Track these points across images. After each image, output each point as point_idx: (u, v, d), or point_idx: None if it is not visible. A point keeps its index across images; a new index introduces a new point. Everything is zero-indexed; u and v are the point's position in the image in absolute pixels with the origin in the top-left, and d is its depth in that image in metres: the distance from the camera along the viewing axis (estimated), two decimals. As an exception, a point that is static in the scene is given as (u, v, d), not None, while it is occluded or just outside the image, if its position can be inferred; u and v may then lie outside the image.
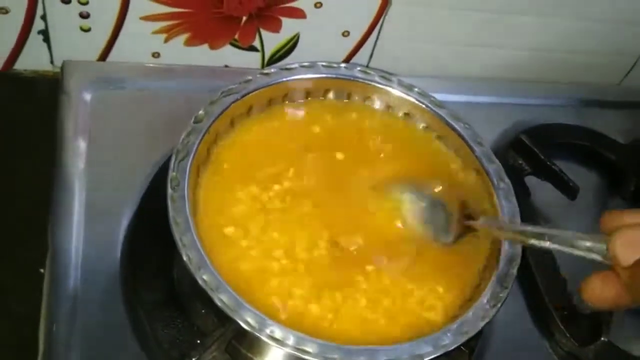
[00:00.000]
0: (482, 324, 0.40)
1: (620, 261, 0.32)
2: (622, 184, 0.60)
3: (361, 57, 0.62)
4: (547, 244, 0.37)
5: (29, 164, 0.53)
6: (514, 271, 0.42)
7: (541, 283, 0.51)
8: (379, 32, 0.60)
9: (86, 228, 0.47)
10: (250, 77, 0.45)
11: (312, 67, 0.47)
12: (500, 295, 0.41)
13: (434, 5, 0.58)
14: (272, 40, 0.59)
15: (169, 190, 0.39)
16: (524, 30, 0.63)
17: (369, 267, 0.42)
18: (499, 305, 0.40)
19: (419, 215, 0.45)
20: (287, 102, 0.47)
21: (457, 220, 0.44)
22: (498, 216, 0.44)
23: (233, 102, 0.44)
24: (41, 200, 0.48)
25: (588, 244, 0.34)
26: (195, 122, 0.42)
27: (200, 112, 0.43)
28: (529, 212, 0.54)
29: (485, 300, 0.40)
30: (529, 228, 0.40)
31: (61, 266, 0.45)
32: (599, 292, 0.34)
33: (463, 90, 0.63)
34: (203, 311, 0.43)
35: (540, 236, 0.38)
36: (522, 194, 0.55)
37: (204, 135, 0.42)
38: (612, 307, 0.34)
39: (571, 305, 0.51)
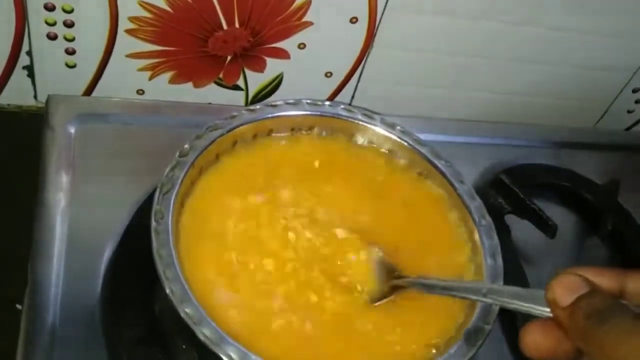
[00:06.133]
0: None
1: (559, 302, 0.32)
2: (598, 223, 0.60)
3: (343, 97, 0.63)
4: (487, 300, 0.37)
5: (9, 200, 0.52)
6: (496, 309, 0.42)
7: (521, 321, 0.51)
8: (360, 74, 0.61)
9: (66, 262, 0.46)
10: (235, 113, 0.46)
11: (296, 104, 0.48)
12: (482, 332, 0.40)
13: (414, 48, 0.60)
14: (256, 80, 0.60)
15: (153, 223, 0.39)
16: (503, 74, 0.64)
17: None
18: (480, 342, 0.40)
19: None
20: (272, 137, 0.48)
21: (383, 280, 0.43)
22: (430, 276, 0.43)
23: (218, 136, 0.44)
24: (21, 236, 0.48)
25: (531, 298, 0.35)
26: (181, 156, 0.42)
27: (186, 146, 0.43)
28: (508, 250, 0.54)
29: (466, 338, 0.40)
30: (465, 284, 0.40)
31: (40, 301, 0.44)
32: (539, 340, 0.33)
33: (442, 130, 0.64)
34: (184, 347, 0.42)
35: (477, 292, 0.38)
36: (502, 232, 0.55)
37: (188, 169, 0.42)
38: (552, 356, 0.34)
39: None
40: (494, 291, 0.38)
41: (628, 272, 0.33)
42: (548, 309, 0.33)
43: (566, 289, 0.32)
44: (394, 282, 0.43)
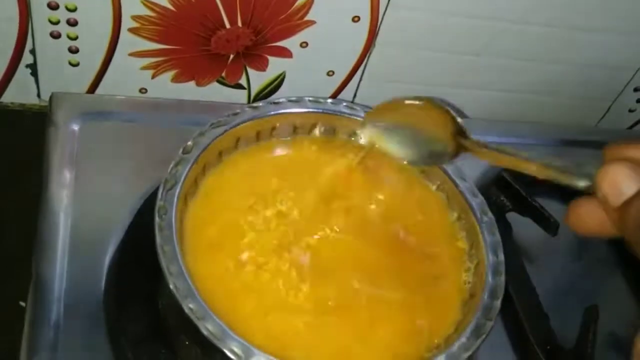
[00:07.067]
0: (466, 355, 0.40)
1: (609, 202, 0.30)
2: (600, 221, 0.61)
3: (345, 96, 0.63)
4: (533, 168, 0.36)
5: (12, 198, 0.52)
6: (498, 303, 0.42)
7: (524, 318, 0.52)
8: (362, 72, 0.61)
9: (70, 259, 0.46)
10: (238, 110, 0.46)
11: (299, 101, 0.48)
12: (485, 327, 0.41)
13: (416, 46, 0.60)
14: (258, 78, 0.60)
15: (157, 219, 0.39)
16: (504, 73, 0.64)
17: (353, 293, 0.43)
18: (483, 336, 0.40)
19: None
20: (274, 135, 0.48)
21: (450, 137, 0.41)
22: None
23: (221, 134, 0.44)
24: (24, 234, 0.48)
25: (578, 178, 0.32)
26: (184, 152, 0.43)
27: (189, 142, 0.43)
28: (510, 248, 0.54)
29: (469, 332, 0.41)
30: (519, 152, 0.38)
31: (44, 298, 0.44)
32: (584, 217, 0.32)
33: (445, 129, 0.64)
34: (187, 343, 0.42)
35: (528, 159, 0.37)
36: (504, 229, 0.55)
37: (192, 166, 0.42)
38: (597, 234, 0.32)
39: (554, 341, 0.51)
40: (539, 161, 0.35)
41: None
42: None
43: (614, 187, 0.30)
44: (460, 140, 0.40)
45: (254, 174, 0.47)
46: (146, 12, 0.52)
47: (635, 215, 0.29)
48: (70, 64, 0.55)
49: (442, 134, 0.42)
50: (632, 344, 0.29)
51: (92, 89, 0.57)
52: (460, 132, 0.41)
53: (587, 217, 0.32)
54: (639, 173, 0.30)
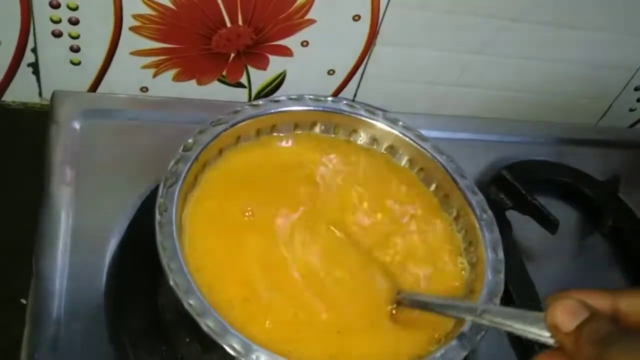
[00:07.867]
0: (465, 351, 0.40)
1: (561, 328, 0.31)
2: (599, 219, 0.61)
3: (346, 94, 0.64)
4: (483, 321, 0.37)
5: (14, 196, 0.53)
6: (497, 301, 0.42)
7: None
8: (363, 71, 0.62)
9: (71, 256, 0.46)
10: (238, 108, 0.46)
11: (299, 100, 0.48)
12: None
13: (417, 45, 0.60)
14: (259, 77, 0.60)
15: (157, 216, 0.39)
16: (505, 71, 0.64)
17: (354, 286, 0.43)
18: (483, 333, 0.40)
19: None
20: (274, 133, 0.48)
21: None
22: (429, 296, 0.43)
23: (222, 131, 0.44)
24: (26, 232, 0.48)
25: (527, 320, 0.34)
26: (184, 150, 0.43)
27: (189, 140, 0.43)
28: (510, 246, 0.54)
29: (469, 329, 0.41)
30: (460, 304, 0.41)
31: (45, 294, 0.44)
32: None
33: (444, 127, 0.64)
34: (187, 340, 0.43)
35: (472, 311, 0.38)
36: (504, 228, 0.55)
37: (192, 163, 0.42)
38: None
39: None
40: (489, 311, 0.37)
41: (619, 292, 0.33)
42: (545, 333, 0.32)
43: (568, 313, 0.32)
44: (398, 307, 0.43)
45: (254, 168, 0.47)
46: (147, 11, 0.52)
47: (590, 335, 0.31)
48: (72, 62, 0.55)
49: None
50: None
51: (94, 87, 0.57)
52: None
53: None
54: (588, 305, 0.32)
